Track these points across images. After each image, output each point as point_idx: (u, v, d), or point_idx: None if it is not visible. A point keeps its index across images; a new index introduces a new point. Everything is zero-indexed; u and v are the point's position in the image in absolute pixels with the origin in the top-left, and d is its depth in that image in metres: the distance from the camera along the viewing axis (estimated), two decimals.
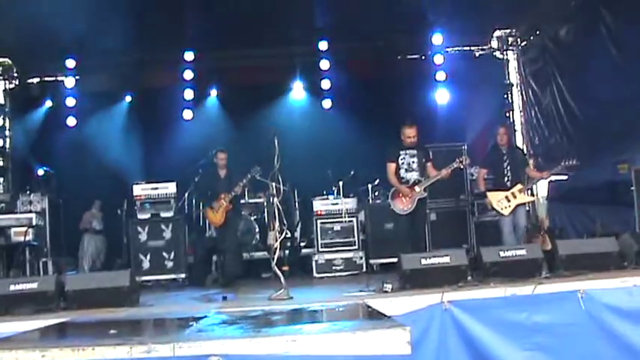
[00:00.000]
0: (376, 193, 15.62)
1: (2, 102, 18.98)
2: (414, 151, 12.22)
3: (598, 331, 7.43)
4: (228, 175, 13.75)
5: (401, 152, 12.24)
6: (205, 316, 7.00)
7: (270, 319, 6.82)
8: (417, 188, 12.04)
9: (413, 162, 12.21)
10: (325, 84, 18.79)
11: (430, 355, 7.18)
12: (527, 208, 12.66)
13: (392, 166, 12.26)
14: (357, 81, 18.44)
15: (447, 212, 15.59)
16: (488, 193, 12.63)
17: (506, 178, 12.50)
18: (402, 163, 12.20)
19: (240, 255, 14.67)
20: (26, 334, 6.86)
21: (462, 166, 12.66)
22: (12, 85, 19.05)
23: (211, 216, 13.74)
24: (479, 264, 9.36)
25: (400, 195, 12.10)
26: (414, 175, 12.19)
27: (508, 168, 12.53)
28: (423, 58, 18.82)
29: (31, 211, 14.99)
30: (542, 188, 15.83)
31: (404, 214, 12.06)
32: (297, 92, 19.23)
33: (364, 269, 14.40)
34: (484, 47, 18.96)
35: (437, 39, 18.14)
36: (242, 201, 16.30)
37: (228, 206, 13.48)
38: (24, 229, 12.55)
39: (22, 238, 13.18)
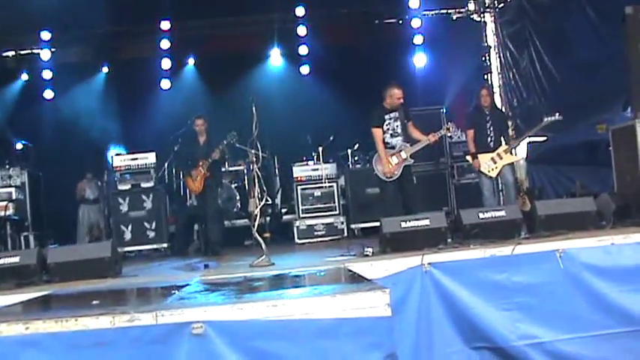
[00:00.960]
0: (356, 158, 15.67)
1: None
2: (397, 114, 12.09)
3: (577, 290, 7.49)
4: (207, 141, 13.39)
5: (385, 117, 12.04)
6: (188, 285, 7.03)
7: (252, 286, 6.87)
8: (403, 154, 11.90)
9: (397, 126, 12.00)
10: (303, 50, 18.81)
11: (411, 316, 7.24)
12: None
13: (379, 132, 11.96)
14: (335, 46, 18.47)
15: (427, 175, 15.58)
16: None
17: (489, 139, 12.47)
18: (387, 129, 12.00)
19: (222, 222, 14.73)
20: (9, 308, 6.87)
21: (449, 134, 12.73)
22: None
23: (190, 184, 13.50)
24: (458, 226, 9.40)
25: (385, 161, 11.98)
26: (399, 140, 12.00)
27: (491, 129, 12.51)
28: (401, 22, 18.85)
29: (10, 186, 14.98)
30: (521, 149, 15.90)
31: (389, 180, 12.00)
32: (275, 59, 19.21)
33: (345, 234, 14.49)
34: (461, 10, 18.98)
35: (414, 3, 18.18)
36: (222, 169, 16.35)
37: (206, 174, 13.16)
38: (4, 203, 12.51)
39: (2, 213, 13.15)
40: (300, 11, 18.27)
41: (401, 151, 11.88)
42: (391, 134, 11.98)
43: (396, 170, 11.83)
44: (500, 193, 13.66)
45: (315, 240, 14.37)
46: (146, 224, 14.48)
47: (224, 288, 6.60)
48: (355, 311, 5.02)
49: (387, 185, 11.99)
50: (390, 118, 11.99)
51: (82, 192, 17.01)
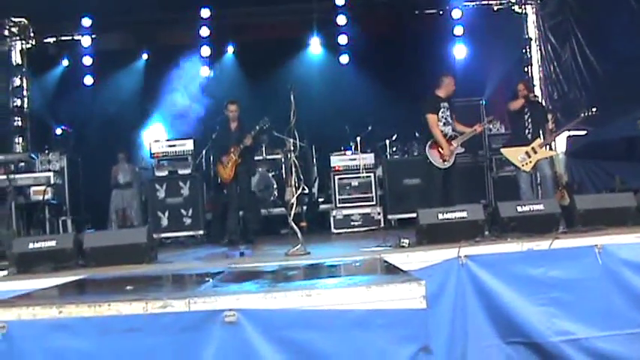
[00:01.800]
0: (394, 149, 15.64)
1: (19, 62, 19.00)
2: (448, 104, 12.14)
3: (615, 287, 7.37)
4: (240, 128, 13.27)
5: (441, 105, 12.06)
6: (222, 272, 7.01)
7: (287, 275, 6.82)
8: (454, 143, 11.98)
9: (448, 116, 12.12)
10: (342, 39, 18.71)
11: (446, 309, 7.17)
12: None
13: (434, 118, 11.97)
14: (375, 36, 18.38)
15: (466, 168, 15.44)
16: (510, 149, 12.51)
17: (527, 131, 12.39)
18: (442, 117, 12.02)
19: (258, 210, 14.74)
20: (44, 291, 6.89)
21: (491, 126, 12.65)
22: (29, 45, 19.08)
23: (221, 171, 13.26)
24: (496, 219, 9.30)
25: (439, 148, 11.99)
26: (450, 130, 12.12)
27: (529, 121, 12.42)
28: (441, 13, 18.68)
29: (49, 170, 15.05)
30: (560, 143, 15.73)
31: (443, 167, 11.96)
32: (315, 48, 19.13)
33: (382, 224, 14.42)
34: (502, 1, 18.76)
35: None
36: (260, 157, 16.35)
37: (237, 160, 13.00)
38: (43, 187, 12.56)
39: (41, 197, 13.22)
40: (340, 0, 18.18)
41: (453, 139, 11.87)
42: (444, 123, 12.06)
43: (450, 157, 11.90)
44: (539, 187, 13.53)
45: (351, 230, 14.32)
46: (183, 211, 14.49)
47: (258, 276, 6.56)
48: (390, 303, 4.95)
49: (434, 173, 12.00)
50: (444, 107, 12.01)
51: (114, 177, 17.10)
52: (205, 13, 18.32)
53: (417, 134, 14.41)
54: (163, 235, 14.23)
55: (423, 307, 4.98)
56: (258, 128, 12.91)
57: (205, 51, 18.66)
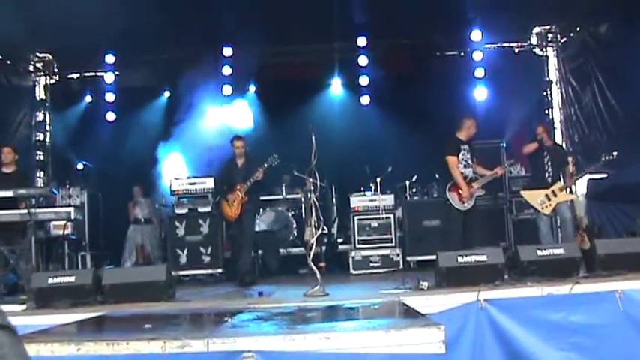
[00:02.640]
0: (413, 190, 15.60)
1: (43, 97, 19.20)
2: (468, 147, 12.16)
3: (636, 332, 7.32)
4: (246, 164, 13.08)
5: (461, 147, 12.08)
6: (240, 312, 7.00)
7: (305, 316, 6.81)
8: (474, 185, 11.99)
9: (469, 158, 12.13)
10: (363, 80, 18.77)
11: (465, 353, 7.12)
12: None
13: (454, 160, 11.99)
14: (396, 77, 18.44)
15: (485, 210, 15.41)
16: (529, 192, 12.48)
17: (546, 174, 12.36)
18: (462, 159, 12.04)
19: (277, 249, 14.77)
20: (63, 327, 6.90)
21: (513, 169, 12.63)
22: (52, 80, 19.30)
23: (226, 209, 13.11)
24: (516, 262, 9.26)
25: (459, 190, 11.99)
26: (470, 172, 12.11)
27: (549, 165, 12.39)
28: (462, 54, 18.74)
29: (70, 205, 15.11)
30: (581, 186, 15.67)
31: (462, 209, 11.95)
32: (336, 88, 19.22)
33: (401, 266, 14.34)
34: (523, 44, 18.81)
35: (476, 35, 18.04)
36: (279, 196, 16.37)
37: (244, 198, 12.82)
38: (63, 222, 12.61)
39: (61, 232, 13.27)
40: (361, 41, 18.29)
41: (473, 181, 11.86)
42: (464, 165, 12.05)
43: (470, 199, 11.89)
44: (559, 230, 13.47)
45: (370, 271, 14.25)
46: (202, 249, 14.49)
47: (277, 317, 6.55)
48: (409, 347, 4.93)
49: (455, 215, 12.00)
50: (464, 150, 12.02)
51: (133, 212, 17.15)
52: (227, 51, 18.44)
53: (437, 176, 14.38)
54: (182, 272, 14.22)
55: (442, 351, 4.96)
56: (266, 165, 12.67)
57: (227, 89, 18.74)
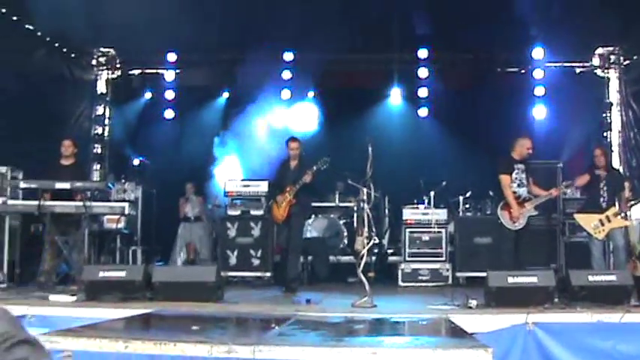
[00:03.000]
0: (467, 206, 15.49)
1: (104, 91, 19.36)
2: (524, 167, 12.03)
3: None
4: (299, 167, 12.76)
5: (514, 166, 11.96)
6: (288, 319, 7.00)
7: (352, 328, 6.79)
8: (527, 205, 11.83)
9: (523, 177, 11.98)
10: (422, 92, 18.68)
11: None
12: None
13: (507, 179, 11.88)
14: (455, 91, 18.35)
15: (538, 230, 15.21)
16: (583, 215, 12.34)
17: (602, 199, 12.21)
18: (515, 178, 11.91)
19: (327, 256, 14.78)
20: (111, 323, 6.96)
21: (569, 190, 12.51)
22: (114, 75, 19.44)
23: (275, 211, 12.86)
24: (567, 286, 9.17)
25: (510, 209, 11.85)
26: (524, 191, 11.95)
27: (604, 189, 12.25)
28: (523, 72, 18.55)
29: (124, 200, 15.26)
30: (635, 212, 15.45)
31: (513, 229, 11.82)
32: (394, 99, 19.14)
33: (450, 281, 14.26)
34: (585, 64, 18.56)
35: (537, 53, 17.86)
36: (332, 204, 16.36)
37: (292, 201, 12.53)
38: (116, 216, 12.71)
39: (114, 226, 13.39)
40: (422, 53, 18.20)
41: (526, 201, 11.73)
42: (518, 184, 11.91)
43: (521, 219, 11.69)
44: (611, 255, 13.29)
45: (418, 284, 14.19)
46: (252, 251, 14.54)
47: (324, 327, 6.54)
48: None
49: (505, 234, 11.88)
50: (518, 169, 11.89)
51: (183, 209, 17.23)
52: (288, 56, 18.48)
53: (491, 193, 14.26)
54: (231, 273, 14.28)
55: None
56: (315, 168, 12.36)
57: (286, 94, 18.77)
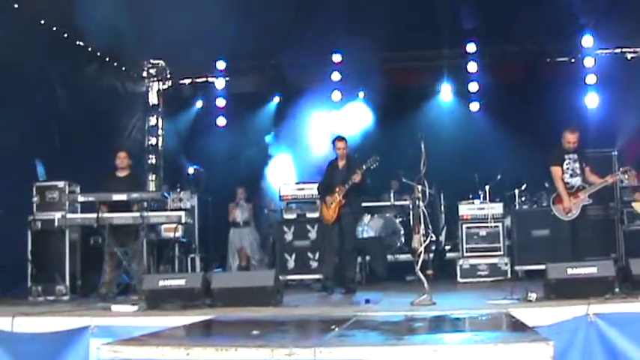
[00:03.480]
0: (523, 199, 15.33)
1: (155, 102, 19.59)
2: (576, 156, 11.88)
3: None
4: (347, 166, 12.47)
5: (565, 157, 11.83)
6: (347, 320, 6.98)
7: (412, 326, 6.75)
8: (580, 195, 11.68)
9: (576, 167, 11.81)
10: (473, 86, 18.61)
11: None
12: None
13: (557, 170, 11.79)
14: (505, 84, 18.25)
15: (596, 220, 15.01)
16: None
17: None
18: (567, 168, 11.77)
19: (384, 255, 14.77)
20: (173, 330, 6.99)
21: (625, 177, 12.37)
22: (165, 86, 19.67)
23: (324, 211, 12.56)
24: (627, 276, 9.02)
25: (565, 197, 11.75)
26: (578, 181, 11.79)
27: None
28: (573, 61, 18.38)
29: (180, 209, 15.39)
30: None
31: (567, 219, 11.71)
32: (445, 94, 19.07)
33: (509, 275, 14.16)
34: (637, 49, 18.31)
35: (587, 41, 17.68)
36: (387, 203, 16.35)
37: (342, 201, 12.22)
38: (173, 225, 12.83)
39: (171, 235, 13.50)
40: (471, 47, 18.15)
41: (579, 190, 11.60)
42: (570, 174, 11.74)
43: (574, 208, 11.57)
44: None
45: (477, 280, 14.11)
46: (309, 254, 14.56)
47: (384, 327, 6.52)
48: None
49: (562, 226, 11.78)
50: (570, 159, 11.74)
51: (232, 214, 17.29)
52: (337, 58, 18.53)
53: (546, 184, 14.10)
54: (289, 277, 14.33)
55: None
56: (365, 167, 12.03)
57: (336, 95, 18.80)
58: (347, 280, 12.38)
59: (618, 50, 18.32)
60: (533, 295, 8.59)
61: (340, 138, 12.80)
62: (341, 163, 12.63)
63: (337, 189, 12.30)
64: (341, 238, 12.42)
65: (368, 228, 15.99)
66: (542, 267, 9.28)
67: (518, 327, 6.35)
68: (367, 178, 12.34)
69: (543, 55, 18.32)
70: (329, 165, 12.91)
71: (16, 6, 13.79)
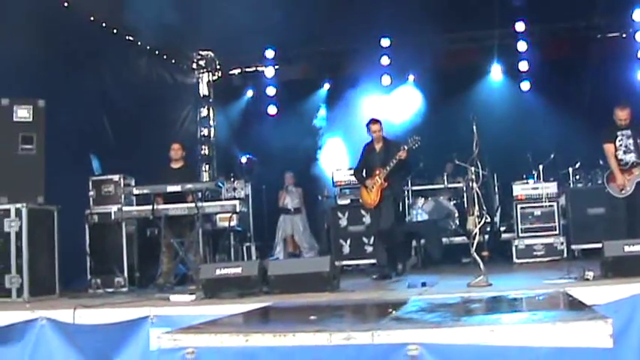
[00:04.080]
0: (577, 177, 15.18)
1: (206, 93, 19.76)
2: (629, 132, 11.69)
3: None
4: (385, 148, 12.19)
5: (617, 133, 11.61)
6: (404, 303, 7.00)
7: (469, 307, 6.76)
8: (635, 171, 11.44)
9: (630, 143, 11.55)
10: (523, 66, 18.46)
11: (633, 347, 6.88)
12: None
13: (610, 147, 11.58)
14: (556, 62, 18.10)
15: None
16: None
17: None
18: (620, 145, 11.53)
19: (440, 239, 14.76)
20: (230, 318, 7.07)
21: None
22: (215, 77, 19.84)
23: (365, 196, 12.33)
24: None
25: (618, 174, 11.59)
26: (632, 157, 11.52)
27: None
28: (624, 36, 18.12)
29: (235, 198, 15.50)
30: None
31: (621, 197, 11.55)
32: (495, 75, 18.94)
33: (565, 255, 14.04)
34: None
35: (638, 15, 17.42)
36: (441, 185, 16.32)
37: (384, 184, 11.90)
38: (228, 215, 12.91)
39: (226, 224, 13.58)
40: (520, 26, 17.98)
41: (634, 166, 11.45)
42: (624, 151, 11.53)
43: (628, 185, 11.42)
44: None
45: (533, 260, 13.99)
46: (364, 239, 14.59)
47: (440, 309, 6.52)
48: (575, 341, 4.82)
49: (617, 203, 11.68)
50: (623, 135, 11.56)
51: (283, 201, 17.31)
52: (385, 42, 18.50)
53: (600, 162, 13.96)
54: (345, 262, 14.38)
55: (610, 346, 4.83)
56: (407, 147, 11.77)
57: (386, 80, 18.77)
58: (379, 265, 12.42)
59: None
60: (590, 274, 8.53)
61: (374, 121, 12.49)
62: (378, 146, 12.34)
63: (377, 172, 12.02)
64: (378, 220, 12.21)
65: (422, 211, 15.99)
66: (599, 245, 9.22)
67: (576, 306, 6.32)
68: (409, 161, 12.21)
69: (593, 31, 18.06)
70: (365, 148, 12.62)
71: (65, 4, 13.96)
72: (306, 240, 17.19)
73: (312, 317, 6.17)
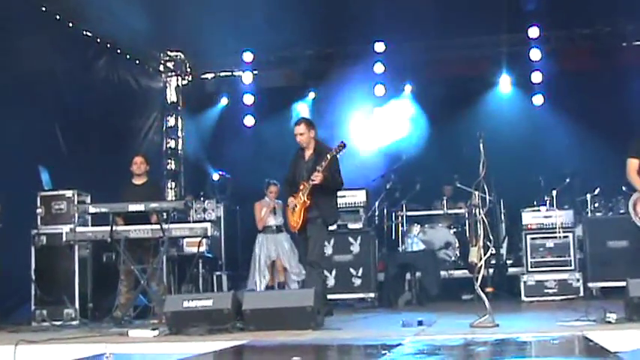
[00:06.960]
0: (596, 205, 15.20)
1: (174, 99, 19.66)
2: None
3: None
4: (314, 156, 11.14)
5: None
6: (399, 345, 6.98)
7: (473, 351, 6.74)
8: None
9: None
10: (536, 77, 18.46)
11: None
12: None
13: (634, 163, 11.27)
14: (574, 73, 18.17)
15: None
16: None
17: None
18: None
19: (438, 272, 14.74)
20: (199, 358, 7.04)
21: None
22: (185, 82, 19.72)
23: (289, 216, 11.47)
24: None
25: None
26: None
27: None
28: None
29: (205, 220, 15.43)
30: None
31: None
32: (504, 87, 18.93)
33: (581, 294, 14.08)
34: None
35: None
36: (440, 212, 16.30)
37: (306, 202, 10.90)
38: (197, 239, 12.83)
39: (195, 250, 13.52)
40: (533, 32, 17.99)
41: None
42: None
43: None
44: None
45: (544, 298, 14.05)
46: (352, 270, 14.56)
47: (440, 352, 6.51)
48: None
49: None
50: None
51: (260, 216, 16.15)
52: (380, 47, 18.45)
53: (623, 188, 14.00)
54: (330, 296, 14.30)
55: None
56: (329, 157, 10.88)
57: (379, 90, 18.75)
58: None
59: None
60: (612, 316, 8.51)
61: (300, 120, 11.79)
62: (307, 153, 11.39)
63: (301, 186, 11.10)
64: (305, 249, 11.31)
65: (417, 240, 15.95)
66: (622, 284, 9.21)
67: (596, 352, 6.31)
68: (337, 172, 11.31)
69: (617, 39, 18.11)
70: (294, 156, 11.72)
71: None
72: (295, 263, 16.06)
73: (294, 359, 6.15)
